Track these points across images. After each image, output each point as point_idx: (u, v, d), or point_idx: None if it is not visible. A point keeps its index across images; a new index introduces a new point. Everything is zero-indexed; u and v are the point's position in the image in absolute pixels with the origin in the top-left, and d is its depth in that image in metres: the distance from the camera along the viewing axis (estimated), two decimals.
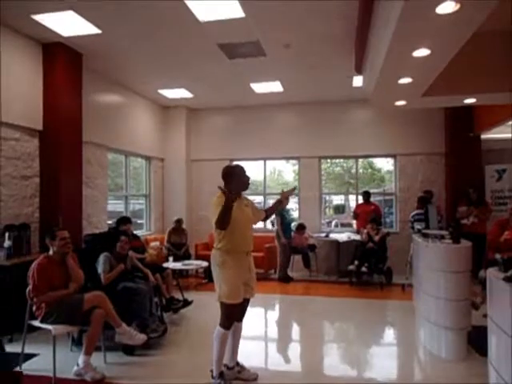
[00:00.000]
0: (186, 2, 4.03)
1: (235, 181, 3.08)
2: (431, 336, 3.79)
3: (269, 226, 8.27)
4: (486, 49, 4.29)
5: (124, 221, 5.02)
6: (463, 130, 7.11)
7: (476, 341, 3.70)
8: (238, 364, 3.26)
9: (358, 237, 7.06)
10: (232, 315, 3.02)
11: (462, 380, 3.25)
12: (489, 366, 2.63)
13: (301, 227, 7.52)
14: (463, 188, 6.82)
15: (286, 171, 13.36)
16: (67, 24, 4.50)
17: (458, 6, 2.68)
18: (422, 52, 3.54)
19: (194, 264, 6.05)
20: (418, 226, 5.06)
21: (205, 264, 5.74)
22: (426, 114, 7.44)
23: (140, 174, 8.11)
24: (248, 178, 3.16)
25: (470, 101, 5.22)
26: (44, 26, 4.53)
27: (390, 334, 4.75)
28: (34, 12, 4.24)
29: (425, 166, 7.71)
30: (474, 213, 6.47)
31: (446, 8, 2.72)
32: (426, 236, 4.12)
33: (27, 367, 3.46)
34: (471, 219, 6.43)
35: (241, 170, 3.17)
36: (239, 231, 3.01)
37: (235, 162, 8.64)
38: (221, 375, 3.04)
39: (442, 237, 3.88)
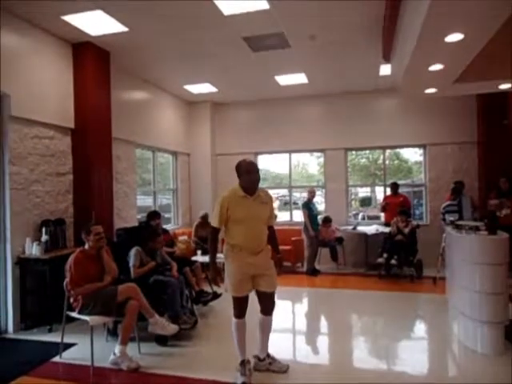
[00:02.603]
0: None
1: (240, 177, 3.11)
2: (466, 330, 3.69)
3: (296, 218, 8.25)
4: None
5: (154, 215, 5.12)
6: (497, 118, 6.81)
7: None
8: (268, 356, 3.28)
9: (386, 229, 6.93)
10: (237, 306, 3.13)
11: (500, 375, 3.16)
12: None
13: (327, 220, 7.46)
14: (496, 178, 6.55)
15: (310, 164, 13.24)
16: (95, 23, 4.60)
17: None
18: (454, 37, 3.41)
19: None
20: (450, 217, 4.90)
21: None
22: (457, 102, 7.18)
23: (166, 170, 8.23)
24: (250, 177, 3.02)
25: (505, 86, 5.00)
26: (73, 26, 4.64)
27: (421, 328, 4.66)
28: (63, 13, 4.35)
29: (456, 156, 7.46)
30: (506, 204, 6.20)
31: None
32: (459, 227, 4.00)
33: (66, 356, 3.61)
34: (504, 212, 6.16)
35: (246, 166, 3.06)
36: (243, 229, 3.03)
37: (260, 156, 8.67)
38: (242, 363, 3.12)
39: (477, 228, 3.75)
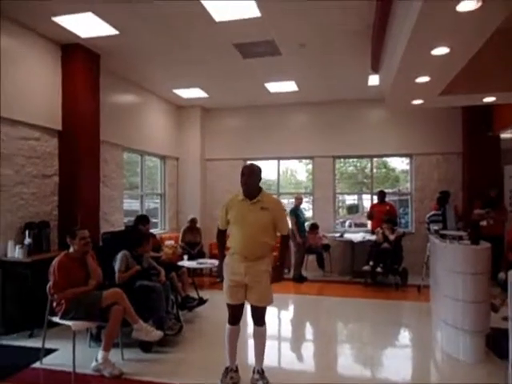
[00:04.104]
0: (203, 2, 4.06)
1: None
2: (449, 338, 3.74)
3: None
4: (507, 46, 4.20)
5: (143, 220, 5.05)
6: (481, 129, 6.97)
7: (495, 343, 3.64)
8: (258, 372, 3.12)
9: (372, 237, 7.01)
10: (229, 312, 3.13)
11: (481, 383, 3.20)
12: (509, 368, 2.59)
13: (314, 227, 7.50)
14: (481, 188, 6.69)
15: (298, 171, 13.30)
16: (86, 25, 4.57)
17: (480, 3, 2.63)
18: (440, 50, 3.49)
19: (208, 263, 6.09)
20: (434, 226, 4.98)
21: None
22: (443, 113, 7.34)
23: (154, 173, 8.19)
24: (241, 179, 3.04)
25: (489, 99, 5.12)
26: (63, 28, 4.61)
27: (405, 336, 4.70)
28: (54, 14, 4.32)
29: (441, 166, 7.60)
30: (491, 215, 6.32)
31: (468, 5, 2.68)
32: (443, 237, 4.07)
33: (47, 362, 3.54)
34: (485, 222, 6.28)
35: (242, 168, 3.11)
36: (237, 232, 3.04)
37: (249, 162, 8.66)
38: (225, 370, 3.13)
39: (460, 238, 3.82)
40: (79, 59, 5.13)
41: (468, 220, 6.45)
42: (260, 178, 3.13)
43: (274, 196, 8.54)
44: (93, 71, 5.38)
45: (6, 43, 4.35)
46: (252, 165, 3.17)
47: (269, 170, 8.80)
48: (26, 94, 4.60)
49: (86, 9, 4.20)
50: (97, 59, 5.43)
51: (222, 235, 3.29)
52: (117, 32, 4.73)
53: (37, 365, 3.50)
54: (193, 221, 7.19)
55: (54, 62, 5.04)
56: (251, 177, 3.05)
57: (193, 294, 5.06)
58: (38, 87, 4.79)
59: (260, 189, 3.11)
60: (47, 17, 4.36)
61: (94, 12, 4.27)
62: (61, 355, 3.68)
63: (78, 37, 4.86)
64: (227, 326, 3.14)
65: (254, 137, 8.44)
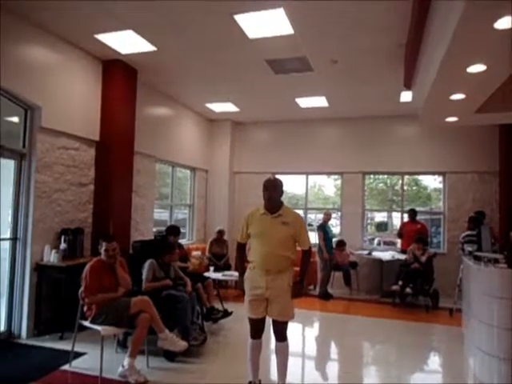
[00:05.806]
0: (237, 21, 4.18)
1: None
2: (483, 366, 3.56)
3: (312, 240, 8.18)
4: None
5: (175, 232, 5.13)
6: None
7: None
8: None
9: (402, 256, 6.82)
10: (251, 326, 3.12)
11: None
12: None
13: (341, 243, 7.39)
14: None
15: (326, 186, 13.20)
16: (126, 42, 4.80)
17: None
18: (477, 68, 3.42)
19: (234, 275, 6.10)
20: (468, 247, 4.80)
21: None
22: (478, 131, 7.12)
23: (183, 185, 8.35)
24: (264, 194, 3.05)
25: None
26: (105, 45, 4.86)
27: (435, 360, 4.51)
28: (96, 31, 4.57)
29: (476, 185, 7.34)
30: None
31: (506, 23, 2.63)
32: (478, 259, 3.91)
33: (76, 365, 3.64)
34: None
35: (264, 182, 3.10)
36: (258, 246, 3.04)
37: (277, 176, 8.69)
38: None
39: (496, 260, 3.67)
40: (118, 74, 5.37)
41: (505, 243, 6.17)
42: (282, 192, 3.14)
43: (300, 211, 8.64)
44: (130, 85, 5.61)
45: (50, 57, 4.64)
46: (275, 179, 3.18)
47: (297, 185, 8.80)
48: (67, 106, 4.86)
49: (126, 27, 4.42)
50: (134, 74, 5.67)
51: (241, 248, 3.30)
52: (155, 48, 4.94)
53: (66, 367, 3.60)
54: (220, 232, 7.25)
55: (95, 76, 5.30)
56: (275, 191, 3.06)
57: (218, 305, 5.08)
58: (79, 100, 5.05)
59: (281, 203, 3.13)
60: (90, 34, 4.62)
61: (134, 30, 4.48)
62: (89, 359, 3.77)
63: (118, 53, 5.11)
64: (249, 339, 3.13)
65: (283, 151, 8.49)
